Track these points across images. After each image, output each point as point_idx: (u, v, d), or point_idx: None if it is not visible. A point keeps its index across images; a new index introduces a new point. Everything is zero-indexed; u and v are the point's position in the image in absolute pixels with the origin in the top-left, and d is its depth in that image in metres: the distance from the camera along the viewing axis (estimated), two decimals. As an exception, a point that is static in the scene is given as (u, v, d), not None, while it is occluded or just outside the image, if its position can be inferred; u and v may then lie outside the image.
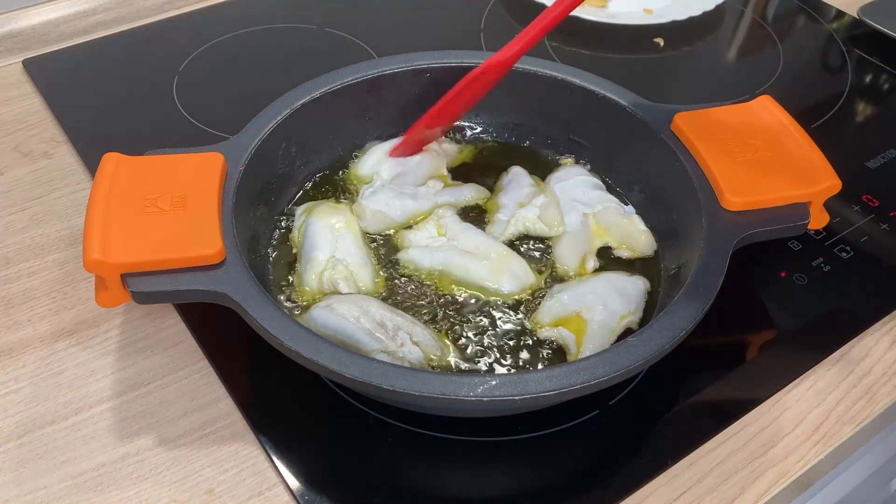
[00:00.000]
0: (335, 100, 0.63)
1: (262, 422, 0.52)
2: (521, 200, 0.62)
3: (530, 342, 0.55)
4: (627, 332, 0.55)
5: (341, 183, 0.65)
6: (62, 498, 0.49)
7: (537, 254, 0.60)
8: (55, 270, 0.62)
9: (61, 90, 0.78)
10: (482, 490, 0.50)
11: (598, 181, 0.64)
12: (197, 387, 0.54)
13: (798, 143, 0.57)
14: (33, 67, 0.81)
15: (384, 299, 0.56)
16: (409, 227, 0.61)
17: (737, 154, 0.56)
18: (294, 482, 0.49)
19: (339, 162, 0.67)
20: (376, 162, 0.65)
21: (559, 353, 0.54)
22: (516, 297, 0.57)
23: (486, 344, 0.54)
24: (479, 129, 0.70)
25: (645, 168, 0.62)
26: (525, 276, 0.57)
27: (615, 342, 0.54)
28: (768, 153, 0.56)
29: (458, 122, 0.69)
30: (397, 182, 0.64)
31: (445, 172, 0.66)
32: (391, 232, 0.61)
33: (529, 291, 0.57)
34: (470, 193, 0.64)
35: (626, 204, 0.64)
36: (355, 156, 0.67)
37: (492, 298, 0.57)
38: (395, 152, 0.65)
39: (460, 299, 0.57)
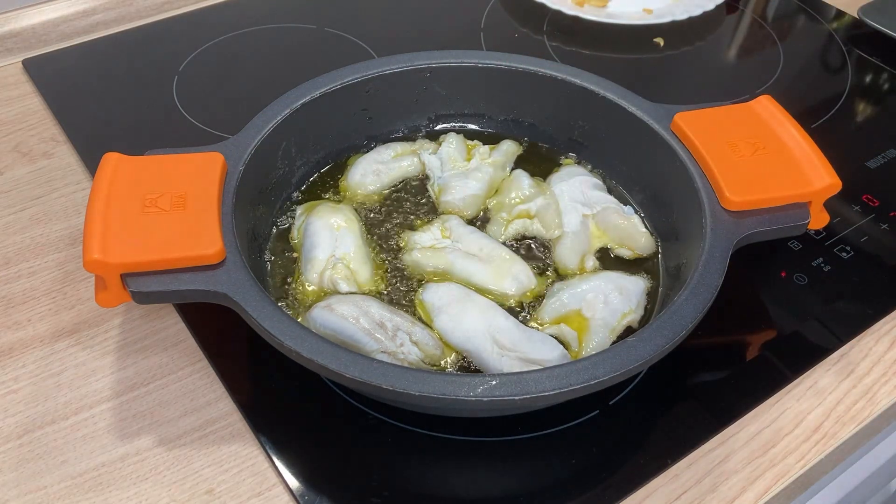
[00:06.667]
0: (335, 100, 0.63)
1: (261, 422, 0.52)
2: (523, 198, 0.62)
3: (530, 342, 0.54)
4: (628, 331, 0.55)
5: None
6: (62, 498, 0.49)
7: (540, 254, 0.60)
8: (55, 270, 0.62)
9: (61, 90, 0.78)
10: (482, 490, 0.50)
11: (598, 181, 0.64)
12: (197, 387, 0.54)
13: (798, 143, 0.56)
14: (33, 67, 0.81)
15: (384, 299, 0.56)
16: (413, 228, 0.62)
17: (737, 154, 0.56)
18: (294, 482, 0.49)
19: (339, 161, 0.67)
20: (364, 171, 0.65)
21: (559, 353, 0.54)
22: (518, 300, 0.57)
23: (486, 344, 0.54)
24: (479, 129, 0.70)
25: (645, 168, 0.62)
26: (527, 281, 0.57)
27: (616, 341, 0.54)
28: (768, 153, 0.56)
29: (458, 123, 0.69)
30: (446, 170, 0.65)
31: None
32: (397, 233, 0.61)
33: (531, 296, 0.57)
34: (508, 147, 0.67)
35: (627, 204, 0.64)
36: (350, 155, 0.67)
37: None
38: None
39: (460, 299, 0.57)
